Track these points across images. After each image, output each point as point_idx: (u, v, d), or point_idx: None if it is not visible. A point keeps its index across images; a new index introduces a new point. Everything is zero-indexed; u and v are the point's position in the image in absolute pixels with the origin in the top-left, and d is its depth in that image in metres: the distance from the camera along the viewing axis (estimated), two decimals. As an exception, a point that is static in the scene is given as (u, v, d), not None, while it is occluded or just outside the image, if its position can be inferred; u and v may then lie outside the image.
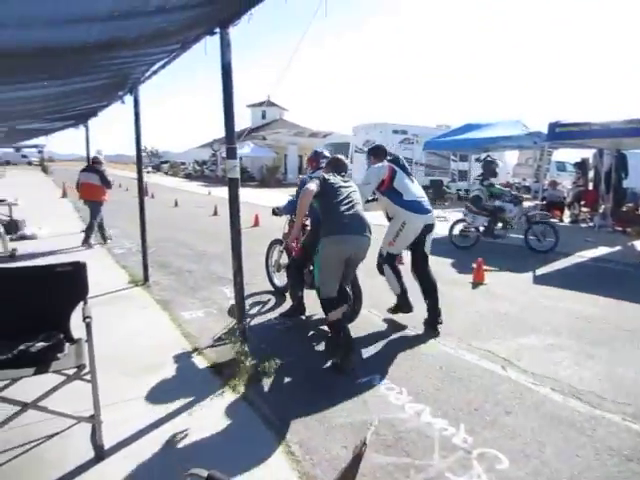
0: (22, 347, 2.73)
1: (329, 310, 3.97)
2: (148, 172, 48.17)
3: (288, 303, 5.59)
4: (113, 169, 46.86)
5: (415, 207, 4.69)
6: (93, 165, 9.56)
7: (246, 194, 25.21)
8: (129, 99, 6.50)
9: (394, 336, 4.89)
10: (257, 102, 43.16)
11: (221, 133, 3.81)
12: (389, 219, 4.85)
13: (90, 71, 4.44)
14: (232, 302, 4.32)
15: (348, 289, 4.19)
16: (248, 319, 4.82)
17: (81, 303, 3.08)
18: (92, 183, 9.51)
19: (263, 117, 45.23)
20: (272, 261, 6.14)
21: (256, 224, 12.72)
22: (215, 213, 15.18)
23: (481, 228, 9.58)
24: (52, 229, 10.92)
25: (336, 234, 3.80)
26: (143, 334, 4.82)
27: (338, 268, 3.86)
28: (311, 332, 4.92)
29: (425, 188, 6.09)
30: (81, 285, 3.02)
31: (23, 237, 9.87)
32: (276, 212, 5.33)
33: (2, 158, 60.96)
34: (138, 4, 2.32)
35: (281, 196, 23.65)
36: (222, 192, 20.56)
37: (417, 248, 4.82)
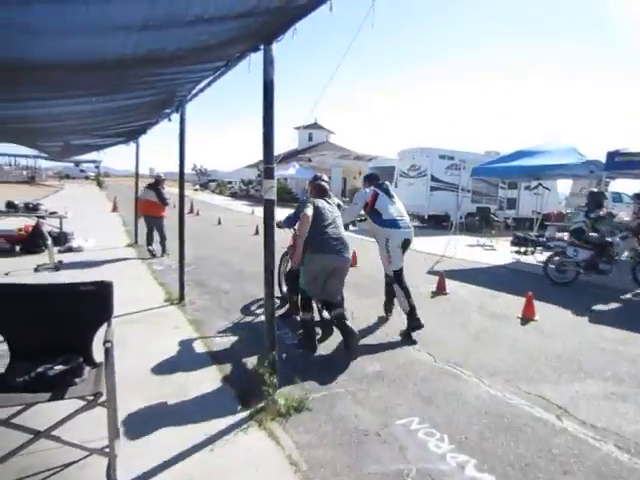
0: (40, 369, 2.58)
1: (304, 309, 4.92)
2: (196, 190, 49.44)
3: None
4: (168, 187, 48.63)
5: (392, 224, 5.43)
6: (154, 183, 10.26)
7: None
8: (176, 117, 6.55)
9: (432, 372, 4.55)
10: (304, 124, 43.72)
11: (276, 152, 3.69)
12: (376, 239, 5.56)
13: (134, 88, 4.43)
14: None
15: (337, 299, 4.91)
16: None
17: (105, 325, 2.92)
18: (149, 199, 10.18)
19: (310, 139, 45.89)
20: (283, 269, 6.65)
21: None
22: (256, 232, 15.20)
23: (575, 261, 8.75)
24: (98, 242, 11.17)
25: (322, 253, 4.64)
26: (170, 356, 4.67)
27: (320, 278, 4.73)
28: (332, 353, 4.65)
29: (471, 215, 5.98)
30: (105, 306, 2.87)
31: (70, 249, 10.09)
32: (280, 225, 5.51)
33: (63, 172, 64.49)
34: (175, 13, 2.20)
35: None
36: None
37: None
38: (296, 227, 5.22)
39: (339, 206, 5.34)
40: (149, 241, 10.28)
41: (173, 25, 2.34)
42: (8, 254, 9.38)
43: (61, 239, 10.35)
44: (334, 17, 2.64)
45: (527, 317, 6.45)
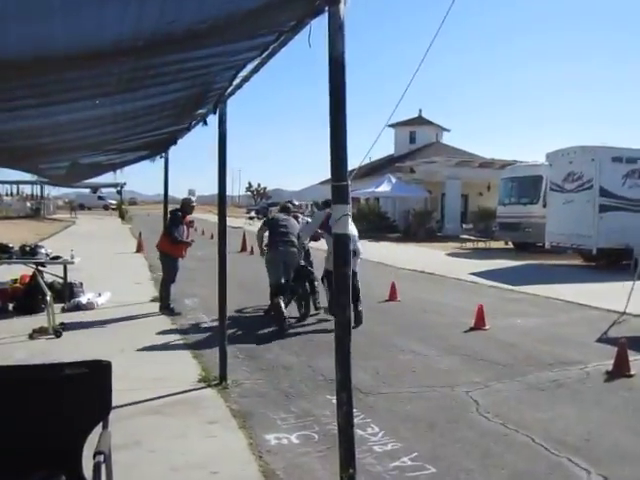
0: (5, 491, 2.58)
1: (273, 296, 9.73)
2: (251, 218, 50.81)
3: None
4: (205, 214, 50.80)
5: None
6: (178, 209, 10.84)
7: (382, 251, 25.68)
8: (213, 119, 6.74)
9: None
10: (404, 120, 43.87)
11: (356, 163, 3.61)
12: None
13: (151, 82, 4.55)
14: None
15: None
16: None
17: (99, 425, 2.89)
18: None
19: (412, 141, 45.91)
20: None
21: (392, 298, 12.38)
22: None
23: None
24: (116, 296, 11.68)
25: (274, 249, 10.00)
26: (203, 469, 4.58)
27: (278, 268, 9.92)
28: None
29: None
30: (100, 398, 2.84)
31: (77, 307, 10.61)
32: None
33: (75, 201, 69.62)
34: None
35: (435, 256, 23.37)
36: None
37: None
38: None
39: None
40: (167, 291, 10.75)
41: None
42: (-1, 314, 10.03)
43: (66, 293, 10.92)
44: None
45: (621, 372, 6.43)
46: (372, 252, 20.80)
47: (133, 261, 19.06)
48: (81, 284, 11.72)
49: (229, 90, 5.95)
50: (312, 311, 10.44)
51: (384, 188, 35.72)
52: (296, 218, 11.08)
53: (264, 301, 10.78)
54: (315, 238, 11.24)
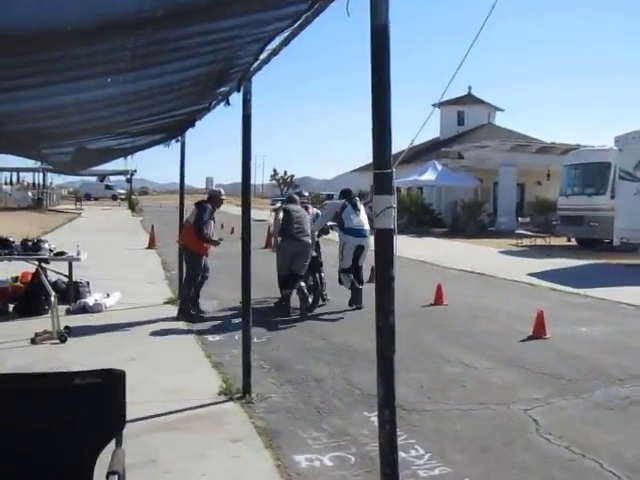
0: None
1: (282, 287, 11.40)
2: (275, 210, 50.99)
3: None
4: (224, 205, 50.99)
5: (350, 232, 11.64)
6: (205, 200, 11.27)
7: (426, 248, 25.61)
8: (237, 99, 6.77)
9: None
10: (451, 98, 43.56)
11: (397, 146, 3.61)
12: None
13: (167, 58, 4.57)
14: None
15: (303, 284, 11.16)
16: None
17: (112, 442, 2.92)
18: (191, 224, 10.98)
19: (460, 122, 45.69)
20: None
21: (438, 301, 12.34)
22: (372, 279, 15.16)
23: None
24: (126, 297, 11.86)
25: (287, 240, 11.20)
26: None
27: (287, 259, 11.22)
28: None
29: None
30: (113, 411, 2.87)
31: (83, 309, 10.77)
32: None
33: (80, 191, 70.67)
34: None
35: (486, 254, 23.20)
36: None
37: (354, 261, 11.71)
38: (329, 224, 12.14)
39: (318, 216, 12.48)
40: (187, 291, 10.93)
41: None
42: (-2, 316, 10.23)
43: (71, 293, 11.08)
44: None
45: None
46: (414, 249, 20.80)
47: (145, 258, 19.32)
48: (88, 283, 11.92)
49: (255, 65, 5.97)
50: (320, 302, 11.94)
51: (428, 176, 35.60)
52: (306, 209, 12.15)
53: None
54: (324, 230, 12.69)
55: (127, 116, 7.04)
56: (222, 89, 6.89)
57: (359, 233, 11.69)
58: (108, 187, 73.94)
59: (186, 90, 6.39)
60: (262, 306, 11.50)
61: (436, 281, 13.34)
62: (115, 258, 18.12)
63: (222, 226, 29.43)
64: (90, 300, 11.12)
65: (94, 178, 70.92)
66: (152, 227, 24.45)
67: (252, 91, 6.60)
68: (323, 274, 12.26)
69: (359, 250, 11.72)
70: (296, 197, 12.52)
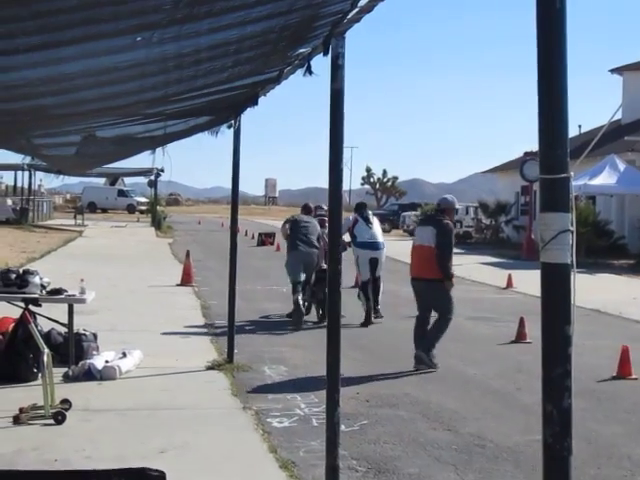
0: None
1: (293, 292, 17.43)
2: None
3: None
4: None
5: (363, 245, 17.90)
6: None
7: (601, 289, 24.99)
8: (322, 63, 6.81)
9: None
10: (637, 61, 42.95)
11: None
12: None
13: (226, 5, 4.62)
14: None
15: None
16: None
17: None
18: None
19: (653, 98, 44.76)
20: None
21: (624, 374, 12.12)
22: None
23: None
24: (150, 357, 12.02)
25: (293, 250, 17.73)
26: None
27: (297, 267, 17.59)
28: None
29: None
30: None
31: (89, 373, 10.85)
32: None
33: (83, 198, 71.34)
34: None
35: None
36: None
37: (371, 274, 17.85)
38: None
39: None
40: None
41: None
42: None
43: (71, 350, 11.17)
44: None
45: None
46: (585, 291, 20.22)
47: (177, 299, 19.51)
48: (95, 336, 11.99)
49: (351, 15, 5.97)
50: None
51: (605, 180, 34.99)
52: (322, 223, 17.11)
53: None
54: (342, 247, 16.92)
55: (160, 91, 7.16)
56: (300, 50, 6.93)
57: (372, 246, 17.52)
58: (122, 193, 74.48)
59: (248, 53, 6.46)
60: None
61: (619, 342, 13.13)
62: (134, 299, 18.36)
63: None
64: (98, 361, 11.15)
65: (101, 180, 71.77)
66: (187, 254, 24.64)
67: (345, 54, 6.61)
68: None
69: (374, 262, 17.59)
70: (311, 206, 19.25)
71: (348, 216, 18.57)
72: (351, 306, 16.00)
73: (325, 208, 16.85)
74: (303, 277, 17.05)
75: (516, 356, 12.67)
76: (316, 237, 17.09)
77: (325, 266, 13.85)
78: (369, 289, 17.56)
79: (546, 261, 3.47)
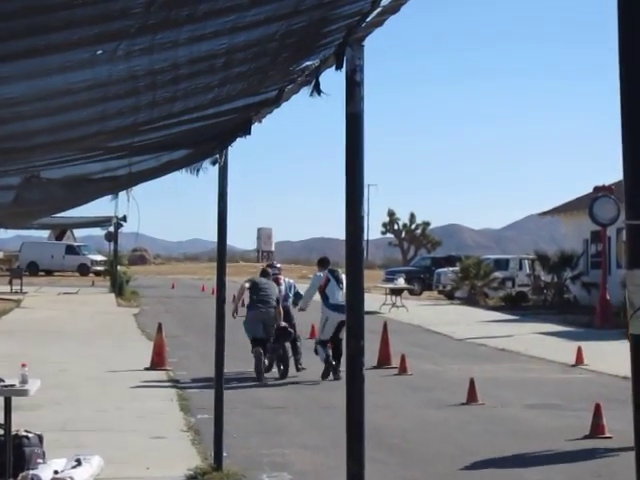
0: None
1: (252, 348, 28.04)
2: (395, 293, 50.55)
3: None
4: (300, 279, 51.05)
5: (335, 308, 26.03)
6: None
7: None
8: (330, 82, 6.87)
9: None
10: None
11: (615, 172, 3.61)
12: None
13: (216, 6, 4.65)
14: None
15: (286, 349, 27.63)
16: None
17: None
18: None
19: None
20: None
21: None
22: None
23: None
24: (112, 464, 11.90)
25: (253, 309, 28.52)
26: None
27: (256, 325, 27.97)
28: None
29: None
30: None
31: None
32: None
33: (20, 258, 71.19)
34: None
35: None
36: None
37: (335, 335, 27.29)
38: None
39: (291, 287, 29.60)
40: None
41: None
42: None
43: (8, 458, 11.13)
44: None
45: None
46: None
47: (146, 390, 19.46)
48: (40, 439, 11.95)
49: (371, 18, 6.01)
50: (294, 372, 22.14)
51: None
52: (277, 281, 25.42)
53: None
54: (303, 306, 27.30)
55: (126, 119, 7.17)
56: (306, 63, 6.96)
57: (343, 309, 18.24)
58: (72, 250, 74.42)
59: (239, 68, 6.48)
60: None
61: None
62: (90, 389, 18.39)
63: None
64: (45, 472, 11.10)
65: (45, 233, 71.69)
66: (159, 327, 24.62)
67: (364, 65, 6.60)
68: (299, 343, 25.75)
69: (341, 325, 23.42)
70: (269, 271, 26.42)
71: (319, 273, 26.27)
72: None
73: (278, 266, 28.18)
74: (262, 334, 24.16)
75: (593, 456, 12.58)
76: (275, 298, 24.63)
77: (284, 324, 24.01)
78: (327, 346, 24.87)
79: (637, 333, 3.45)
